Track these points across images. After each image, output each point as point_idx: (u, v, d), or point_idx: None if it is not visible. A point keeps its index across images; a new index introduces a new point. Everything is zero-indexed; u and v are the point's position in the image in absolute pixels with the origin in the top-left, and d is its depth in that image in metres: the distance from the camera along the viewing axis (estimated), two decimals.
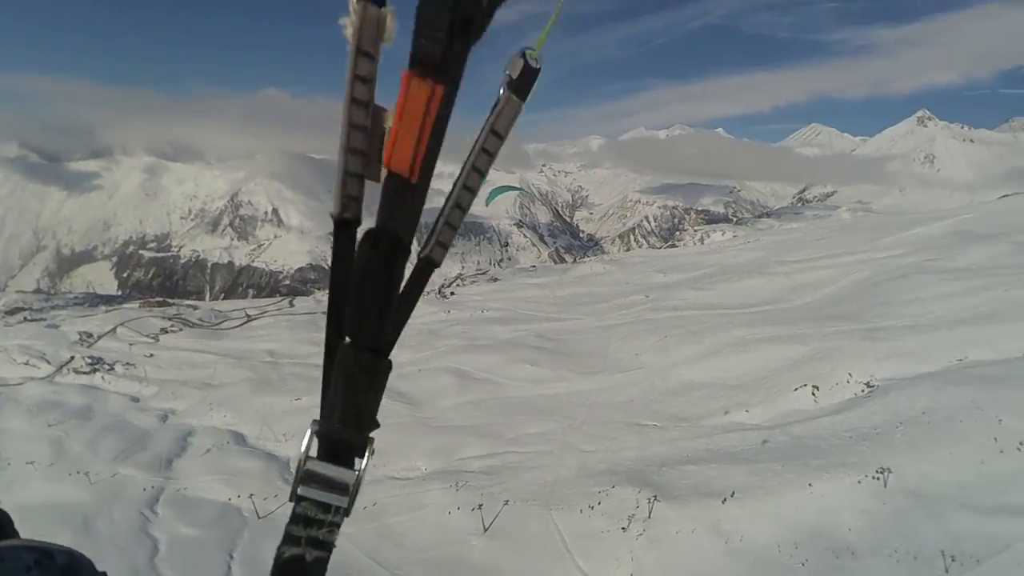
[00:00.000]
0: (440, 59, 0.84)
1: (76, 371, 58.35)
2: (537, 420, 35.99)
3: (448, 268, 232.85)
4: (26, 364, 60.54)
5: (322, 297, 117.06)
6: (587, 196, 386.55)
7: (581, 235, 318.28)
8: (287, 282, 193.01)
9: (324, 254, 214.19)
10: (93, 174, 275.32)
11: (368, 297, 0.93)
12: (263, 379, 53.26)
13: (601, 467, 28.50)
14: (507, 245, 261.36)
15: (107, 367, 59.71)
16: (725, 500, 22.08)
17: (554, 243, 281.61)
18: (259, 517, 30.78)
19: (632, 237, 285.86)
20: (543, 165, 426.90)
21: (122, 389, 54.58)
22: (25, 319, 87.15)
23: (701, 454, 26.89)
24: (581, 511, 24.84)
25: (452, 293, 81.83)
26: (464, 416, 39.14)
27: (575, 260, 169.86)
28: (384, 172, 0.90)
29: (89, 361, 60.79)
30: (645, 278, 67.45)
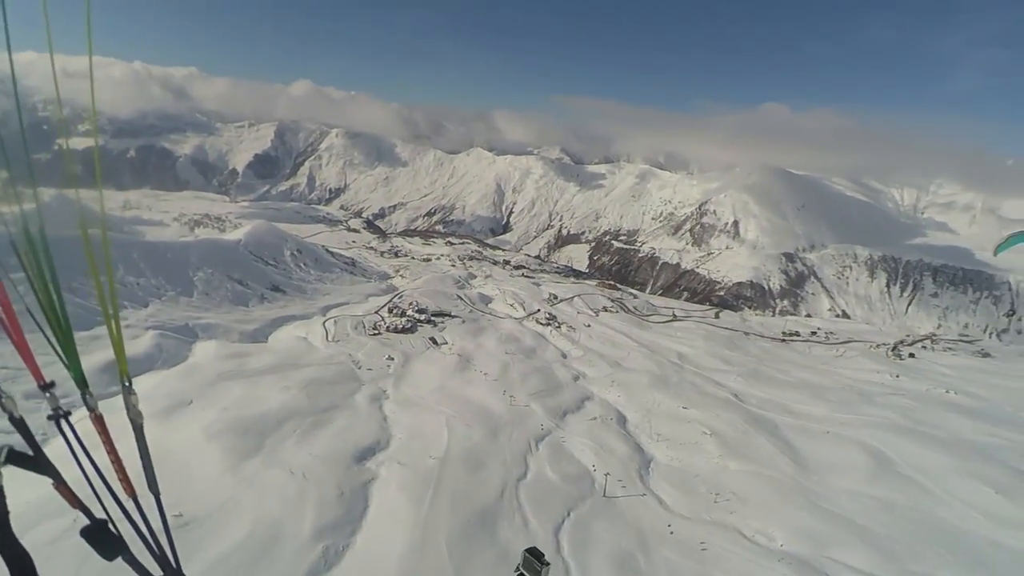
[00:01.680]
0: None
1: (537, 321, 75.00)
2: (970, 568, 24.40)
3: (918, 322, 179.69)
4: (511, 306, 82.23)
5: (750, 316, 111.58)
6: None
7: None
8: (721, 293, 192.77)
9: (768, 274, 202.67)
10: (600, 175, 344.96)
11: None
12: (663, 377, 55.12)
13: None
14: (1021, 312, 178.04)
15: (557, 324, 74.15)
16: None
17: None
18: (605, 495, 32.43)
19: None
20: None
21: (559, 344, 66.71)
22: (523, 275, 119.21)
23: None
24: None
25: (911, 355, 63.53)
26: (861, 510, 30.31)
27: None
28: None
29: (548, 316, 77.04)
30: None
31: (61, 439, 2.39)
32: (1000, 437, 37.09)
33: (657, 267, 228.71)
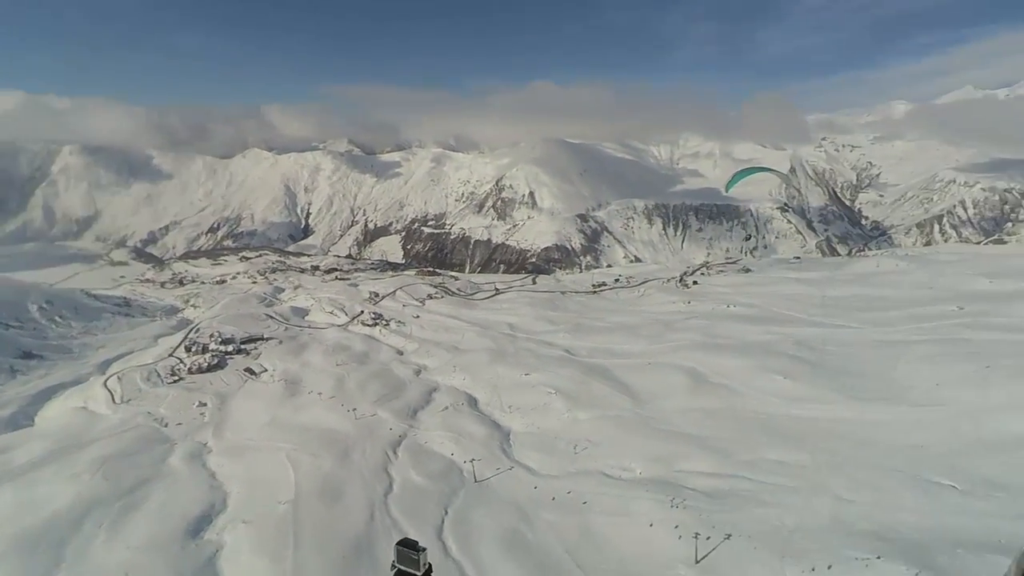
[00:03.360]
0: None
1: (363, 323, 70.95)
2: (782, 445, 29.36)
3: (692, 255, 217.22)
4: (331, 313, 76.51)
5: (562, 276, 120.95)
6: (878, 175, 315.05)
7: (863, 222, 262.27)
8: (533, 260, 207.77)
9: (569, 235, 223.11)
10: (395, 164, 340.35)
11: None
12: (500, 350, 56.25)
13: (863, 526, 21.42)
14: (763, 232, 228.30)
15: (384, 322, 70.99)
16: None
17: (825, 231, 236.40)
18: (476, 480, 31.92)
19: (936, 227, 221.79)
20: (823, 139, 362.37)
21: (392, 342, 64.05)
22: (336, 278, 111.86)
23: None
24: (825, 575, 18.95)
25: (695, 282, 74.80)
26: (692, 423, 34.44)
27: (851, 252, 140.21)
28: None
29: (373, 316, 73.32)
30: (960, 283, 50.54)
31: None
32: (774, 333, 45.53)
33: (471, 246, 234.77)
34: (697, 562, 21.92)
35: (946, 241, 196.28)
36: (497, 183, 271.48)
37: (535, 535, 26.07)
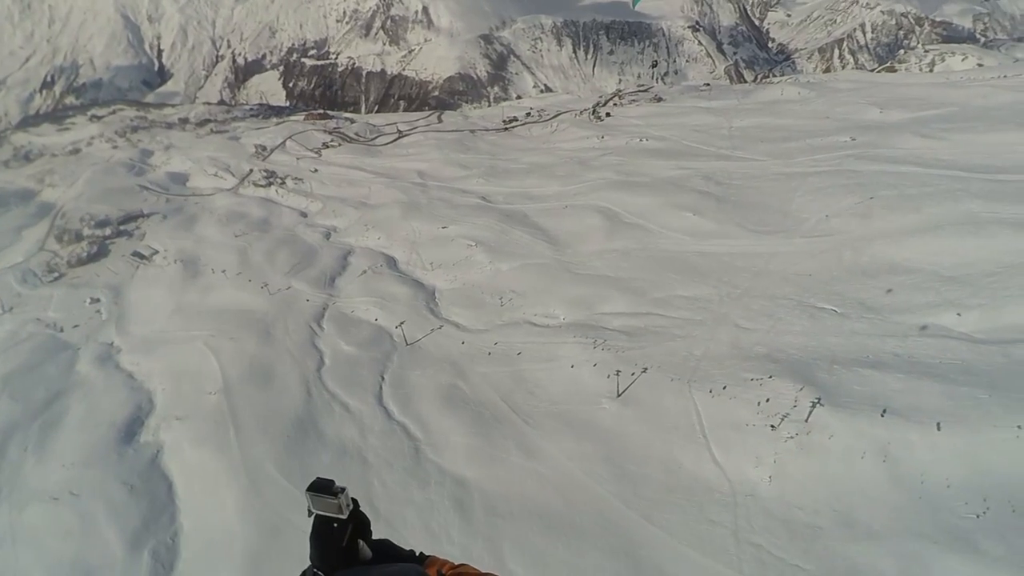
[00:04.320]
0: None
1: (255, 184, 64.36)
2: (691, 281, 31.71)
3: (604, 82, 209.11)
4: (215, 176, 68.26)
5: (470, 112, 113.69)
6: None
7: (770, 44, 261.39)
8: (436, 93, 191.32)
9: (473, 62, 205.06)
10: None
11: None
12: (413, 202, 53.87)
13: (759, 350, 24.47)
14: (674, 55, 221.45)
15: (280, 181, 64.84)
16: (906, 421, 17.74)
17: (734, 54, 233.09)
18: (407, 343, 32.50)
19: (836, 52, 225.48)
20: None
21: (293, 204, 59.31)
22: (212, 131, 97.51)
23: (886, 358, 21.42)
24: (727, 396, 21.93)
25: (608, 114, 72.94)
26: (609, 265, 35.97)
27: (756, 78, 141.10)
28: None
29: (265, 175, 66.44)
30: (853, 112, 52.61)
31: None
32: (684, 168, 46.42)
33: (363, 80, 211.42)
34: (619, 395, 24.43)
35: (844, 67, 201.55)
36: None
37: (471, 388, 27.62)
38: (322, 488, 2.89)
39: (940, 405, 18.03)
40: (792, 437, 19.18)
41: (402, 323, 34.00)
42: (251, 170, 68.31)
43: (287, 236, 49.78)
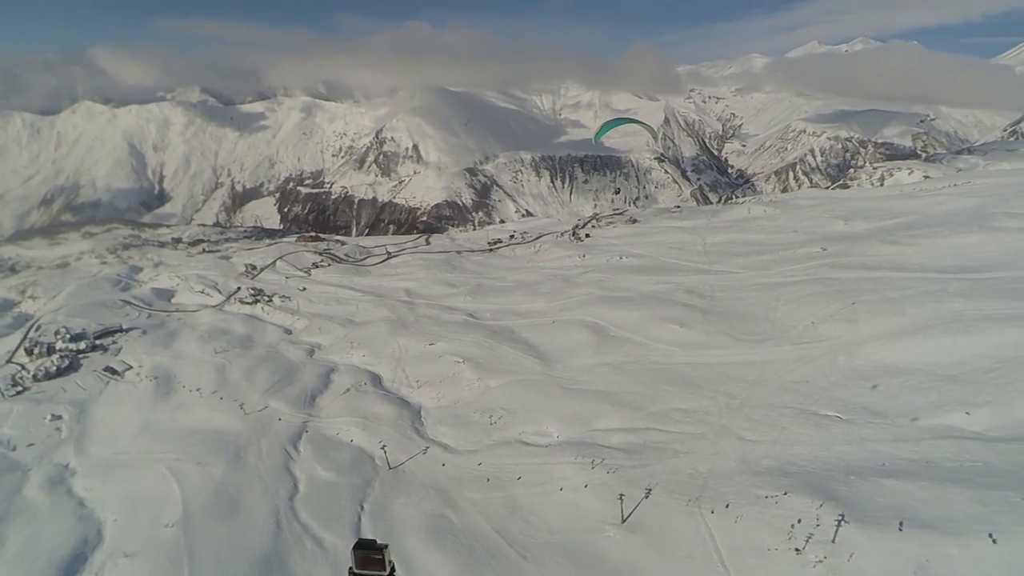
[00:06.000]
0: None
1: (241, 301, 64.08)
2: (686, 393, 30.96)
3: (580, 207, 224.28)
4: (202, 292, 68.20)
5: (456, 235, 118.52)
6: (740, 125, 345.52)
7: (730, 171, 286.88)
8: (424, 218, 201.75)
9: (459, 191, 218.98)
10: (260, 115, 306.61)
11: None
12: (400, 320, 53.71)
13: (768, 464, 23.16)
14: (643, 182, 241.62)
15: (266, 298, 64.75)
16: (941, 534, 16.43)
17: (698, 180, 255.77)
18: (390, 468, 30.33)
19: (791, 174, 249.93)
20: (692, 90, 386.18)
21: (278, 321, 58.68)
22: (204, 250, 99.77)
23: (903, 465, 20.44)
24: (742, 517, 20.28)
25: (587, 235, 76.45)
26: (601, 379, 35.21)
27: (721, 200, 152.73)
28: None
29: (252, 292, 66.50)
30: (819, 225, 56.21)
31: None
32: (665, 282, 47.71)
33: (355, 206, 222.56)
34: (624, 521, 22.48)
35: (800, 187, 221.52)
36: (377, 135, 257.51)
37: (461, 518, 25.34)
38: (367, 546, 3.15)
39: (973, 512, 16.87)
40: (821, 561, 17.48)
41: (384, 445, 32.02)
42: (238, 288, 68.46)
43: (269, 353, 48.52)
